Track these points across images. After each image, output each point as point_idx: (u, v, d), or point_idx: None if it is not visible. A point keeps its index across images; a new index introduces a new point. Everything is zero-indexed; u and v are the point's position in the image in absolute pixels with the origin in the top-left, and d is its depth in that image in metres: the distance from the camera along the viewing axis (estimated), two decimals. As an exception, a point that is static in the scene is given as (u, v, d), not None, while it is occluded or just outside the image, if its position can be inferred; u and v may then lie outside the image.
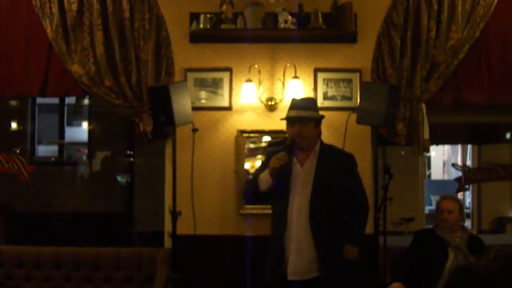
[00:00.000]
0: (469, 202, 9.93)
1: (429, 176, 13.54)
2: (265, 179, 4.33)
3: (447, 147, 12.98)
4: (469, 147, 10.19)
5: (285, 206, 4.37)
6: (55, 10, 5.65)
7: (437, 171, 14.07)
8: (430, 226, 5.59)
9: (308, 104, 4.57)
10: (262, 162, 4.66)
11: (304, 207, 4.36)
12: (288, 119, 4.50)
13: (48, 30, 5.67)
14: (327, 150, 4.58)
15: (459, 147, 11.62)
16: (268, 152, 4.76)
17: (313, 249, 4.33)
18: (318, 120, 4.54)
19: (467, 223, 9.27)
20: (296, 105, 4.53)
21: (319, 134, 4.59)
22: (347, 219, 4.61)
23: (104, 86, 5.62)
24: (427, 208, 10.01)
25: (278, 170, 4.26)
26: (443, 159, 13.92)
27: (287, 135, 4.63)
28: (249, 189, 4.53)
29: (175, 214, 5.12)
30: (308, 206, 4.35)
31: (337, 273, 4.38)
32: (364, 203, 4.65)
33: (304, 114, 4.45)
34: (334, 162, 4.52)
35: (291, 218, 4.36)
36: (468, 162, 10.26)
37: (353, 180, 4.58)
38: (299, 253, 4.34)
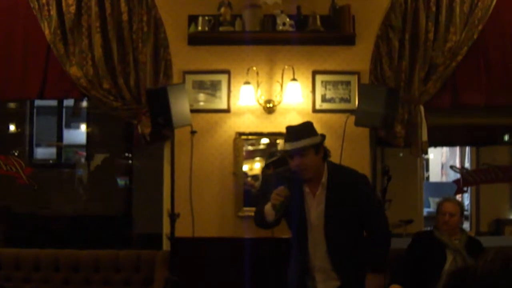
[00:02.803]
0: (468, 204, 9.93)
1: (428, 178, 13.55)
2: (269, 213, 3.97)
3: (445, 149, 12.98)
4: (468, 149, 10.20)
5: (304, 238, 4.09)
6: (53, 12, 5.65)
7: (435, 173, 14.07)
8: (429, 228, 5.59)
9: (303, 131, 4.07)
10: (261, 186, 4.50)
11: (321, 240, 4.07)
12: (285, 153, 4.14)
13: (46, 32, 5.67)
14: (336, 175, 4.13)
15: (457, 149, 11.62)
16: (265, 175, 4.63)
17: (337, 280, 4.11)
18: (318, 145, 4.06)
19: (466, 225, 9.27)
20: (291, 135, 4.05)
21: (325, 156, 4.14)
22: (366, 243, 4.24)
23: (102, 88, 5.62)
24: (426, 210, 10.03)
25: (280, 206, 3.89)
26: (441, 161, 13.91)
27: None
28: (259, 219, 4.14)
29: (173, 217, 5.12)
30: (324, 238, 4.06)
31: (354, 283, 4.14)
32: (385, 231, 4.26)
33: (300, 144, 3.96)
34: (345, 188, 4.08)
35: (312, 250, 4.11)
36: (467, 164, 10.27)
37: (370, 205, 4.16)
38: (326, 281, 4.13)
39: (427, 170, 13.61)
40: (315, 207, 4.07)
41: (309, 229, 4.08)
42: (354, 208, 4.05)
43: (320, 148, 4.07)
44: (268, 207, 3.96)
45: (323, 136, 4.15)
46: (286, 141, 4.08)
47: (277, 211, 3.91)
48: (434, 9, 5.69)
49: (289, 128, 4.14)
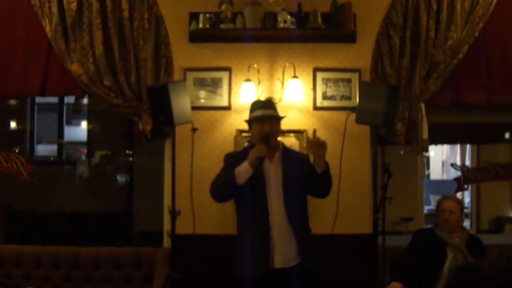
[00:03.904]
0: (468, 202, 9.95)
1: (428, 176, 13.57)
2: (244, 171, 4.39)
3: (446, 147, 13.00)
4: (468, 147, 10.21)
5: (263, 197, 4.49)
6: (54, 9, 5.64)
7: (436, 171, 14.10)
8: (429, 226, 5.59)
9: (271, 104, 4.78)
10: (224, 167, 4.66)
11: (280, 198, 4.50)
12: (261, 117, 4.58)
13: (48, 29, 5.66)
14: (287, 149, 4.76)
15: (458, 147, 11.64)
16: (227, 156, 4.80)
17: (293, 236, 4.49)
18: (281, 119, 4.74)
19: (466, 223, 9.29)
20: (261, 105, 4.72)
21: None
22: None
23: (103, 85, 5.62)
24: (426, 208, 10.05)
25: (258, 161, 4.41)
26: (442, 159, 13.94)
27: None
28: (221, 186, 4.57)
29: (174, 214, 5.12)
30: (282, 196, 4.50)
31: (314, 260, 4.58)
32: None
33: (272, 113, 4.66)
34: (296, 157, 4.74)
35: (271, 208, 4.48)
36: (467, 162, 10.28)
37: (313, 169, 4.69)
38: (283, 240, 4.47)
39: (428, 167, 13.64)
40: (274, 169, 4.57)
41: (268, 189, 4.51)
42: (303, 170, 4.58)
43: (280, 123, 4.72)
44: (242, 167, 4.41)
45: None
46: (257, 109, 4.64)
47: (254, 167, 4.38)
48: (435, 7, 5.69)
49: (257, 101, 4.94)
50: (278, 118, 4.69)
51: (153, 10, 5.65)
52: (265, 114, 4.59)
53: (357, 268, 5.42)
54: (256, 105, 4.72)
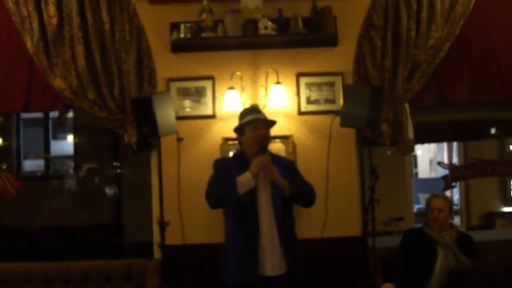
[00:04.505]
0: (458, 199, 9.97)
1: (416, 174, 13.60)
2: (246, 181, 4.42)
3: (433, 145, 13.02)
4: (455, 144, 10.24)
5: (253, 204, 4.50)
6: (35, 25, 5.62)
7: (424, 170, 14.13)
8: (419, 225, 5.61)
9: (261, 110, 4.89)
10: (217, 173, 4.67)
11: (269, 204, 4.52)
12: (256, 120, 4.63)
13: (29, 45, 5.65)
14: (273, 155, 4.76)
15: (445, 144, 11.66)
16: (216, 162, 4.81)
17: (280, 244, 4.50)
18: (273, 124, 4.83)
19: (456, 220, 9.32)
20: (252, 110, 4.80)
21: None
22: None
23: (87, 99, 5.60)
24: (416, 207, 10.06)
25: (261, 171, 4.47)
26: (429, 157, 13.97)
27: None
28: (221, 195, 4.54)
29: (163, 225, 5.11)
30: (271, 203, 4.52)
31: (301, 267, 4.60)
32: (310, 186, 4.76)
33: (266, 117, 4.76)
34: (284, 163, 4.76)
35: (261, 215, 4.49)
36: (454, 159, 10.31)
37: (300, 175, 4.78)
38: (273, 247, 4.48)
39: (416, 166, 13.67)
40: (262, 176, 4.52)
41: (257, 196, 4.51)
42: (288, 176, 4.57)
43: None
44: (244, 177, 4.44)
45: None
46: (249, 114, 4.68)
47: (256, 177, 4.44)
48: (415, 7, 5.70)
49: (249, 107, 5.11)
50: (272, 122, 4.77)
51: (133, 22, 5.64)
52: (260, 117, 4.67)
53: (348, 271, 5.43)
54: (247, 111, 4.77)
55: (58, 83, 5.61)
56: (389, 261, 5.27)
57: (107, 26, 5.62)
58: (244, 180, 4.42)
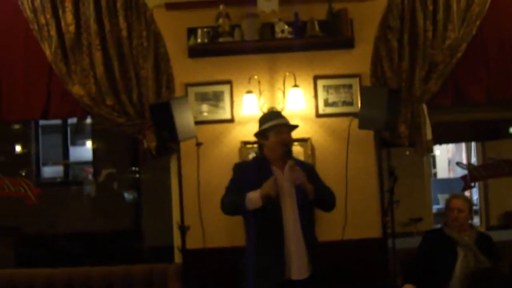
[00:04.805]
0: (477, 199, 9.94)
1: (435, 175, 13.55)
2: (254, 201, 4.40)
3: (451, 145, 12.99)
4: (473, 144, 10.21)
5: (278, 209, 4.49)
6: (53, 32, 5.68)
7: (442, 170, 14.08)
8: (439, 226, 5.61)
9: (282, 115, 4.88)
10: (235, 177, 4.69)
11: (294, 208, 4.52)
12: (281, 124, 4.67)
13: (47, 53, 5.71)
14: (296, 159, 4.71)
15: (463, 144, 11.63)
16: (236, 165, 4.85)
17: (306, 248, 4.50)
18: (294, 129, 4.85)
19: (476, 220, 9.29)
20: (274, 115, 4.82)
21: None
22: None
23: (105, 105, 5.65)
24: (435, 207, 10.04)
25: (268, 198, 4.40)
26: (448, 158, 13.93)
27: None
28: (232, 207, 4.58)
29: (183, 229, 5.13)
30: (296, 206, 4.52)
31: (324, 271, 4.60)
32: (331, 190, 4.78)
33: (288, 121, 4.79)
34: (304, 168, 4.67)
35: (286, 219, 4.50)
36: (473, 159, 10.28)
37: (320, 179, 4.81)
38: (298, 251, 4.48)
39: (434, 167, 13.63)
40: (286, 180, 4.53)
41: (282, 200, 4.50)
42: (310, 180, 4.54)
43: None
44: (254, 195, 4.40)
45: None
46: (271, 119, 4.70)
47: (265, 201, 4.37)
48: (431, 8, 5.70)
49: (270, 111, 5.24)
50: (294, 127, 4.80)
51: (151, 28, 5.68)
52: (283, 122, 4.71)
53: (369, 273, 5.42)
54: (269, 116, 4.81)
55: (76, 90, 5.66)
56: (409, 263, 5.27)
57: (124, 33, 5.67)
58: (253, 198, 4.41)
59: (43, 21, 5.72)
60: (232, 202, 4.56)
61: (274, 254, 4.45)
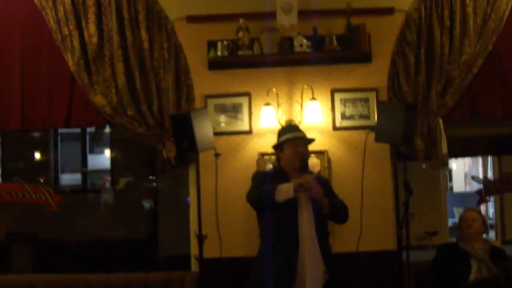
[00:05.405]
0: (492, 213, 9.91)
1: (451, 188, 13.51)
2: (286, 191, 4.45)
3: (467, 159, 12.95)
4: (490, 158, 10.18)
5: (294, 222, 4.55)
6: (76, 43, 5.77)
7: (459, 183, 14.03)
8: (454, 240, 5.64)
9: (299, 128, 4.99)
10: (253, 185, 4.73)
11: (311, 222, 4.56)
12: (296, 138, 4.75)
13: (70, 63, 5.79)
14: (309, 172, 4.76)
15: (479, 158, 11.60)
16: (256, 174, 4.94)
17: (323, 261, 4.55)
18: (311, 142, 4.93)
19: (491, 234, 9.27)
20: (291, 128, 4.96)
21: None
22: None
23: (126, 115, 5.73)
24: (450, 221, 10.01)
25: (302, 189, 4.47)
26: (464, 171, 13.88)
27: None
28: (261, 195, 4.56)
29: (201, 238, 5.19)
30: (313, 220, 4.57)
31: (338, 284, 4.65)
32: (344, 204, 4.83)
33: (305, 134, 4.87)
34: (320, 181, 4.74)
35: (302, 233, 4.54)
36: (489, 173, 10.25)
37: (334, 193, 4.87)
38: (314, 264, 4.51)
39: (450, 180, 13.58)
40: (307, 193, 4.55)
41: (299, 211, 4.56)
42: (326, 193, 4.64)
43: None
44: (286, 186, 4.47)
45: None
46: (288, 132, 4.82)
47: (297, 193, 4.47)
48: (448, 23, 5.75)
49: (287, 125, 5.38)
50: (311, 140, 4.88)
51: (172, 40, 5.77)
52: (299, 135, 4.78)
53: (383, 285, 5.45)
54: (286, 129, 4.91)
55: (98, 100, 5.75)
56: (423, 276, 5.31)
57: (146, 45, 5.76)
58: (285, 188, 4.45)
59: (66, 32, 5.81)
60: (260, 190, 4.58)
61: (288, 267, 4.48)
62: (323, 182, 4.86)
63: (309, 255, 4.50)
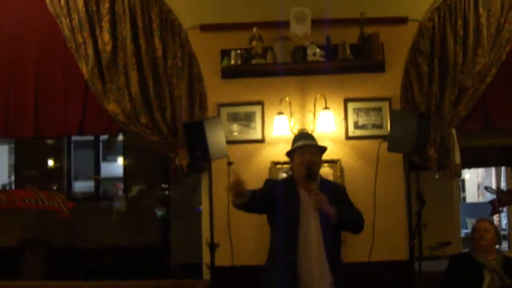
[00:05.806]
0: (506, 224, 9.87)
1: (464, 199, 13.46)
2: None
3: (481, 169, 12.91)
4: (503, 168, 10.15)
5: (295, 227, 4.49)
6: (90, 51, 5.81)
7: (472, 194, 13.98)
8: (467, 250, 5.62)
9: (312, 136, 4.87)
10: (263, 188, 4.68)
11: (319, 233, 4.49)
12: (302, 146, 4.65)
13: (84, 70, 5.83)
14: (325, 180, 4.78)
15: (493, 169, 11.56)
16: (268, 180, 4.87)
17: (331, 273, 4.45)
18: (324, 152, 4.82)
19: (504, 245, 9.23)
20: (302, 136, 4.85)
21: None
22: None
23: (140, 123, 5.75)
24: (463, 232, 9.97)
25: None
26: (477, 182, 13.83)
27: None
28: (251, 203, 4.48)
29: (213, 246, 5.20)
30: (320, 230, 4.49)
31: None
32: (360, 212, 4.71)
33: (313, 142, 4.74)
34: (333, 190, 4.68)
35: (311, 244, 4.48)
36: (502, 184, 10.22)
37: (350, 201, 4.75)
38: (321, 273, 4.45)
39: (464, 190, 13.54)
40: (312, 203, 4.45)
41: (307, 220, 4.49)
42: (337, 201, 4.52)
43: (322, 156, 4.77)
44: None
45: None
46: (298, 140, 4.72)
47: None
48: (461, 33, 5.76)
49: (299, 133, 5.31)
50: (319, 148, 4.75)
51: (185, 49, 5.79)
52: (306, 144, 4.67)
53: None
54: (298, 137, 4.83)
55: (112, 107, 5.78)
56: (436, 286, 5.29)
57: (159, 53, 5.79)
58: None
59: (80, 40, 5.85)
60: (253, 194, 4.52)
61: (291, 272, 4.43)
62: (338, 189, 4.81)
63: (316, 263, 4.45)
